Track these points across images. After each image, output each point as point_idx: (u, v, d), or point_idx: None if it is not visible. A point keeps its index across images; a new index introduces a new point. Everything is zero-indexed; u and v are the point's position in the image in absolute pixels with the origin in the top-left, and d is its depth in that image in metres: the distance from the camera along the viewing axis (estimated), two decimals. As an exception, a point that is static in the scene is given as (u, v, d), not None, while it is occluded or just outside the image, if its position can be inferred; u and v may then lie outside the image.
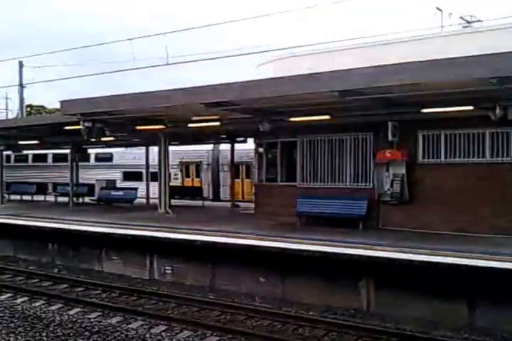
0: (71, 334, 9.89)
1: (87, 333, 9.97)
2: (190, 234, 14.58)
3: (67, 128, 19.09)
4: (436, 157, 14.89)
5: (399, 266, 11.17)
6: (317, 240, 13.05)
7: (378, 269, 11.59)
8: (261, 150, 19.39)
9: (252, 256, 13.06)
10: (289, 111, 15.12)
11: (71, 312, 11.54)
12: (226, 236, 14.02)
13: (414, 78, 11.27)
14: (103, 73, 31.92)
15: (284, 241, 13.14)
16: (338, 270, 12.03)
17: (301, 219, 16.34)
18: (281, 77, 13.40)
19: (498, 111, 12.20)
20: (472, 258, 10.85)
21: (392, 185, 15.23)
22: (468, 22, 21.11)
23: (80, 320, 10.71)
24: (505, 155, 14.02)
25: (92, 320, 10.87)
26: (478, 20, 21.14)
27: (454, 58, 11.10)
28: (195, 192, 26.13)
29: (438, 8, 21.80)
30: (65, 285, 14.14)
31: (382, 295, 11.78)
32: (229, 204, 25.06)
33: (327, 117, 14.68)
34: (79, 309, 11.86)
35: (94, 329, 10.13)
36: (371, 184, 15.86)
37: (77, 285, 14.06)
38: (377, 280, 11.85)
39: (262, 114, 15.43)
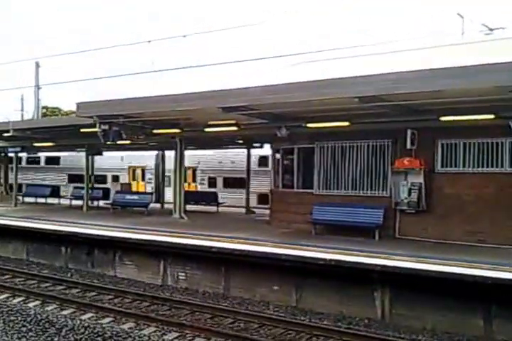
0: (83, 340, 9.82)
1: (99, 339, 9.89)
2: (205, 240, 14.50)
3: (83, 130, 19.06)
4: (454, 166, 14.69)
5: (415, 276, 11.00)
6: (333, 248, 12.98)
7: (394, 279, 11.41)
8: (277, 156, 19.25)
9: (266, 263, 12.93)
10: (307, 117, 14.98)
11: (83, 317, 11.44)
12: (241, 243, 13.93)
13: (434, 85, 11.09)
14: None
15: (298, 249, 13.04)
16: (353, 279, 11.89)
17: (316, 227, 16.17)
18: (301, 82, 13.17)
19: (518, 120, 11.99)
20: (489, 269, 10.68)
21: (409, 194, 15.04)
22: (491, 29, 20.75)
23: (92, 325, 10.58)
24: (524, 165, 13.80)
25: (104, 325, 10.74)
26: (501, 28, 20.80)
27: (473, 65, 10.93)
28: (211, 198, 25.95)
29: (459, 14, 21.45)
30: (78, 290, 14.06)
31: (398, 305, 11.61)
32: (243, 210, 24.90)
33: (346, 124, 14.53)
34: (91, 314, 11.78)
35: (107, 335, 10.03)
36: (388, 192, 15.66)
37: (90, 290, 13.97)
38: (393, 290, 11.68)
39: (280, 119, 15.33)
